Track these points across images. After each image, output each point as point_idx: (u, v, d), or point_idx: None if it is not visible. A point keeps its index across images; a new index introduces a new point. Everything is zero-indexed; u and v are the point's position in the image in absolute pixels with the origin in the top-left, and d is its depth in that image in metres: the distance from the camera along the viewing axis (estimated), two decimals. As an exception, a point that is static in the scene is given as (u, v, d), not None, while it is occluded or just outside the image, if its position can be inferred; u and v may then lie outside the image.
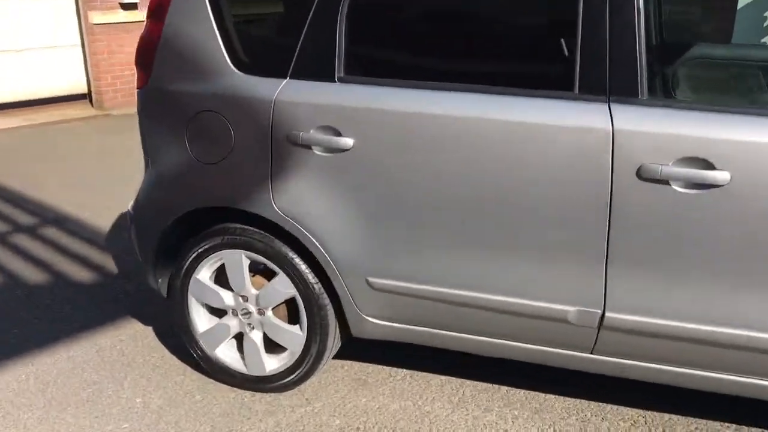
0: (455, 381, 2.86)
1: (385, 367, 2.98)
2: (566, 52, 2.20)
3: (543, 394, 2.75)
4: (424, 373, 2.92)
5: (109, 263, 4.13)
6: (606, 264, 2.22)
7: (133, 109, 8.67)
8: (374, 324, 2.60)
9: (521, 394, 2.76)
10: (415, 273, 2.45)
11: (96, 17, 8.34)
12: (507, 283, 2.35)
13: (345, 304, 2.59)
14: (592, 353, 2.38)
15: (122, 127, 7.78)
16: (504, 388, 2.80)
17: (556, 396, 2.74)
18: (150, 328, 3.38)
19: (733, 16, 5.10)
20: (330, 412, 2.70)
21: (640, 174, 2.11)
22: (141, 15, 8.70)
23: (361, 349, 3.08)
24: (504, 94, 2.27)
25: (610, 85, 2.16)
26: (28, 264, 4.12)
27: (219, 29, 2.59)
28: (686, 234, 2.12)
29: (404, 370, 2.95)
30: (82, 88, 8.85)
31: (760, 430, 2.53)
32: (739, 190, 2.04)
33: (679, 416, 2.61)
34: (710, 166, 2.05)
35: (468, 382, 2.85)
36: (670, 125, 2.08)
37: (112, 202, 5.20)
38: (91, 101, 8.86)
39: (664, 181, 2.09)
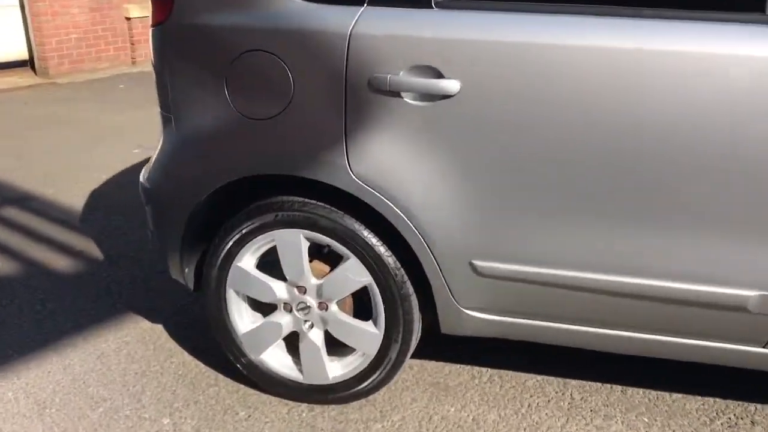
0: (555, 381, 2.36)
1: (463, 366, 2.45)
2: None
3: (667, 394, 2.27)
4: (513, 372, 2.41)
5: (91, 248, 3.48)
6: (800, 235, 1.73)
7: (82, 77, 7.85)
8: (474, 318, 2.06)
9: (640, 394, 2.27)
10: (541, 253, 1.92)
11: (37, -27, 7.45)
12: (669, 265, 1.84)
13: (438, 294, 2.05)
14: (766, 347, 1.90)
15: (72, 95, 6.97)
16: (617, 388, 2.31)
17: (685, 395, 2.26)
18: (160, 326, 2.77)
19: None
20: (415, 427, 2.16)
21: None
22: (88, -28, 7.84)
23: (425, 344, 2.54)
24: (668, 19, 1.73)
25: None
26: (-8, 252, 3.43)
27: (268, -57, 1.98)
28: None
29: (488, 369, 2.43)
30: (23, 54, 7.96)
31: None
32: None
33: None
34: None
35: (571, 381, 2.35)
36: None
37: (77, 175, 4.50)
38: (33, 68, 7.98)
39: None
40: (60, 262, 3.32)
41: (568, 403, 2.24)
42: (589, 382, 2.34)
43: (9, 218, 3.86)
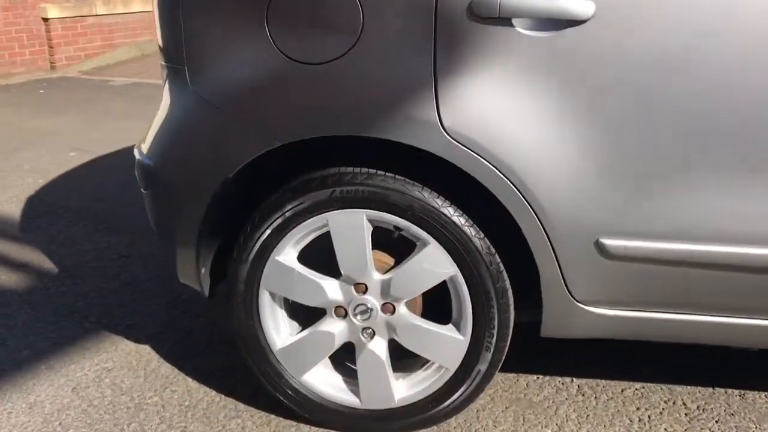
0: (656, 388, 1.93)
1: (540, 376, 2.00)
2: None
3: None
4: (603, 381, 1.97)
5: (40, 259, 2.85)
6: None
7: (7, 79, 7.03)
8: (592, 314, 1.61)
9: (763, 398, 1.87)
10: (695, 227, 1.49)
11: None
12: None
13: (548, 286, 1.59)
14: None
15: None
16: (733, 393, 1.90)
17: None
18: (146, 347, 2.20)
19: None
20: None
21: None
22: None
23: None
24: None
25: None
26: None
27: None
28: None
29: (572, 379, 1.99)
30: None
31: None
32: None
33: None
34: None
35: (676, 388, 1.93)
36: None
37: (7, 182, 3.84)
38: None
39: None
40: (3, 277, 2.69)
41: (686, 415, 1.82)
42: (698, 388, 1.93)
43: (-71, 228, 3.18)
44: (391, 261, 1.70)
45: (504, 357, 1.69)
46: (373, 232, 1.65)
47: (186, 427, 1.82)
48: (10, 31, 7.39)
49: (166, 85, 1.73)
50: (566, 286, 1.58)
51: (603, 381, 1.97)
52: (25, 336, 2.27)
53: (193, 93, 1.65)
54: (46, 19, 7.58)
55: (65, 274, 2.71)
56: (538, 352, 2.09)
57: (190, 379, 2.03)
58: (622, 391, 1.93)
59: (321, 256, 1.70)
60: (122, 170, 3.96)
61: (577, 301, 1.60)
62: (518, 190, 1.50)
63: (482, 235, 1.59)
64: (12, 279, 2.68)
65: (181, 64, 1.65)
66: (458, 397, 1.71)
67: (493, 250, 1.60)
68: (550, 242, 1.54)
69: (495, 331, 1.64)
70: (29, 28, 7.53)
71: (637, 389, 1.93)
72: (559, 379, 1.99)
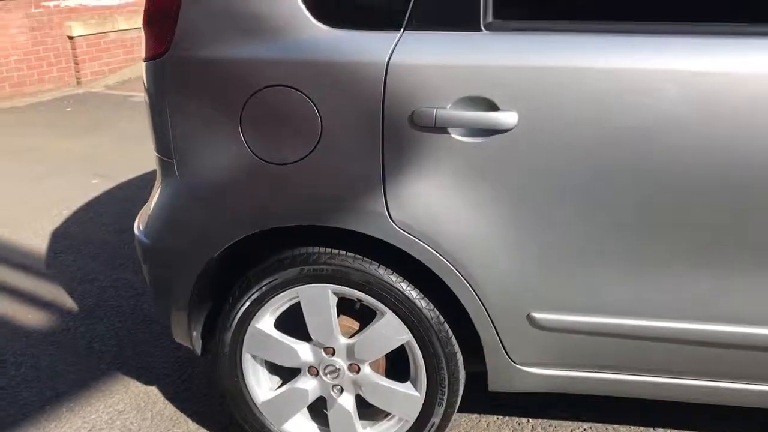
0: (603, 428, 2.16)
1: (498, 417, 2.23)
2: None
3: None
4: (553, 422, 2.20)
5: (63, 297, 3.16)
6: None
7: (24, 100, 7.39)
8: (529, 374, 1.85)
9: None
10: (607, 302, 1.72)
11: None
12: (756, 310, 1.65)
13: (489, 351, 1.83)
14: None
15: (15, 121, 6.56)
16: (673, 435, 2.12)
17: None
18: (154, 389, 2.48)
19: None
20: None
21: None
22: (25, -11, 7.41)
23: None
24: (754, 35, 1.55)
25: None
26: (-50, 308, 3.08)
27: (284, -37, 1.73)
28: None
29: (528, 419, 2.22)
30: (-41, 78, 7.49)
31: None
32: None
33: None
34: None
35: (621, 428, 2.15)
36: None
37: (36, 214, 4.15)
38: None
39: None
40: (30, 317, 3.00)
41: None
42: (639, 428, 2.15)
43: (-36, 266, 3.50)
44: (356, 326, 1.95)
45: (455, 410, 1.93)
46: (341, 299, 1.90)
47: (184, 467, 2.10)
48: (39, 50, 7.75)
49: (159, 172, 2.00)
50: (505, 350, 1.82)
51: (555, 422, 2.21)
52: (50, 378, 2.56)
53: (182, 183, 1.91)
54: (71, 37, 7.93)
55: (85, 313, 3.01)
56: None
57: (190, 421, 2.30)
58: (572, 431, 2.16)
59: (297, 321, 1.95)
60: (140, 201, 4.25)
61: (515, 363, 1.84)
62: (457, 271, 1.74)
63: (432, 307, 1.83)
64: (39, 318, 2.98)
65: (171, 158, 1.91)
66: (417, 444, 1.96)
67: (442, 320, 1.84)
68: (488, 315, 1.77)
69: (446, 389, 1.89)
70: (56, 47, 7.89)
71: (586, 429, 2.17)
72: (517, 419, 2.22)
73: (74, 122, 6.42)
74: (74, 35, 7.92)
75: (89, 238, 3.77)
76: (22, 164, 5.14)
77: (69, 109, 7.03)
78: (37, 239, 3.80)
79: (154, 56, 1.87)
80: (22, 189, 4.61)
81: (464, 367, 1.92)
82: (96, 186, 4.62)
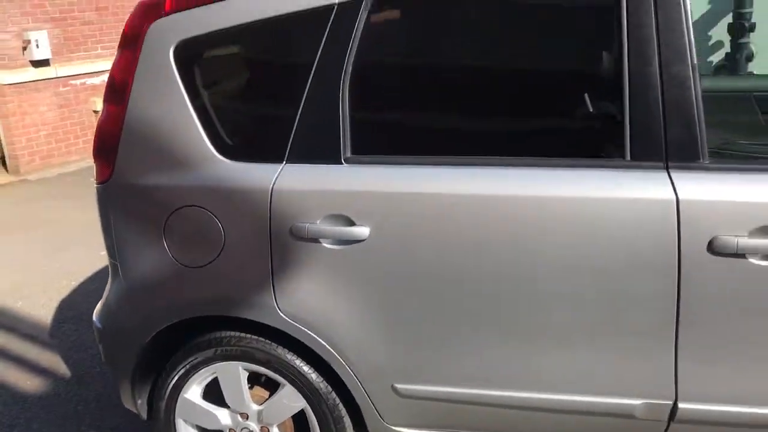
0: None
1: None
2: (616, 114, 1.95)
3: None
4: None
5: (59, 365, 3.66)
6: (676, 349, 1.96)
7: (53, 171, 8.08)
8: (402, 434, 2.27)
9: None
10: (451, 374, 2.14)
11: (4, 77, 7.73)
12: (562, 379, 2.06)
13: (367, 414, 2.26)
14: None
15: (42, 193, 7.19)
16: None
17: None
18: (121, 447, 2.94)
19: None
20: None
21: (713, 248, 1.86)
22: (54, 71, 8.13)
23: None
24: (548, 167, 1.98)
25: (667, 151, 1.91)
26: (-38, 376, 3.60)
27: (195, 109, 2.23)
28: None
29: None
30: (-6, 153, 8.20)
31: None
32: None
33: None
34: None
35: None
36: (742, 192, 1.85)
37: (47, 284, 4.69)
38: (5, 166, 8.21)
39: (740, 255, 1.85)
40: (28, 383, 3.49)
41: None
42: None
43: (-21, 337, 4.04)
44: (266, 394, 2.39)
45: (347, 463, 2.35)
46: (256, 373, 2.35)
47: None
48: (66, 124, 8.46)
49: (110, 270, 2.48)
50: (379, 414, 2.24)
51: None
52: (38, 437, 3.05)
53: (123, 280, 2.39)
54: (96, 112, 8.63)
55: (75, 379, 3.50)
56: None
57: (146, 474, 2.75)
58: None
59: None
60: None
61: (387, 424, 2.26)
62: (334, 351, 2.18)
63: (321, 379, 2.27)
64: (35, 384, 3.48)
65: (115, 260, 2.40)
66: (319, 493, 2.38)
67: (330, 389, 2.27)
68: (361, 386, 2.20)
69: (337, 446, 2.31)
70: (82, 121, 8.60)
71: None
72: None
73: (94, 194, 7.02)
74: (98, 109, 8.63)
75: (90, 309, 4.28)
76: (44, 236, 5.73)
77: (92, 179, 7.67)
78: (45, 310, 4.33)
79: (101, 182, 2.38)
80: (38, 260, 5.17)
81: (353, 427, 2.34)
82: (103, 258, 5.15)
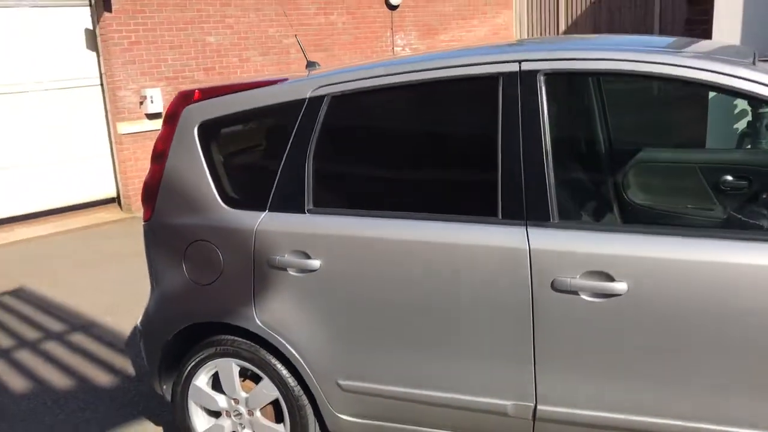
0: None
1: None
2: (493, 187, 2.67)
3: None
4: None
5: (128, 366, 4.60)
6: (534, 362, 2.62)
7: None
8: (346, 421, 3.01)
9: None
10: (376, 375, 2.88)
11: (123, 127, 9.07)
12: (455, 382, 2.76)
13: (320, 404, 3.02)
14: (536, 444, 2.75)
15: (148, 230, 8.38)
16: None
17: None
18: (160, 429, 3.81)
19: (705, 126, 5.56)
20: (313, 501, 3.09)
21: (554, 286, 2.53)
22: (165, 123, 9.45)
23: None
24: (444, 221, 2.72)
25: (527, 212, 2.60)
26: (56, 370, 4.61)
27: (209, 170, 3.12)
28: (598, 336, 2.52)
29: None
30: (112, 193, 9.53)
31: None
32: (635, 299, 2.45)
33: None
34: (610, 278, 2.47)
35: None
36: (576, 244, 2.51)
37: (135, 305, 5.71)
38: (120, 205, 9.52)
39: (574, 292, 2.51)
40: (103, 378, 4.46)
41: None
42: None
43: (74, 342, 5.07)
44: (252, 385, 3.19)
45: (309, 443, 3.11)
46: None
47: (159, 474, 3.39)
48: (173, 170, 9.73)
49: (150, 288, 3.38)
50: (329, 404, 3.00)
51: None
52: (101, 420, 3.97)
53: (156, 294, 3.28)
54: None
55: (137, 377, 4.43)
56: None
57: (173, 448, 3.61)
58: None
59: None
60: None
61: (335, 412, 3.00)
62: (296, 353, 2.96)
63: (290, 375, 3.04)
64: (106, 379, 4.43)
65: (152, 278, 3.30)
66: (287, 465, 3.15)
67: (296, 383, 3.04)
68: (315, 381, 2.97)
69: (299, 428, 3.07)
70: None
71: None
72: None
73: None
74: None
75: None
76: (142, 265, 6.83)
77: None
78: (127, 326, 5.34)
79: (146, 221, 3.29)
80: (134, 287, 6.23)
81: (314, 414, 3.09)
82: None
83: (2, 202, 8.56)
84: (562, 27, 12.58)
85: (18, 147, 8.71)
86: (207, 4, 9.55)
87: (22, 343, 5.11)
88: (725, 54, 2.58)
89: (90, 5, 8.87)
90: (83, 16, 8.93)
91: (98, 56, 9.03)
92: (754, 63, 2.49)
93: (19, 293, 6.25)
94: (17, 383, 4.46)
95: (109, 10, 8.74)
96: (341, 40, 10.96)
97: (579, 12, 12.33)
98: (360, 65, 2.99)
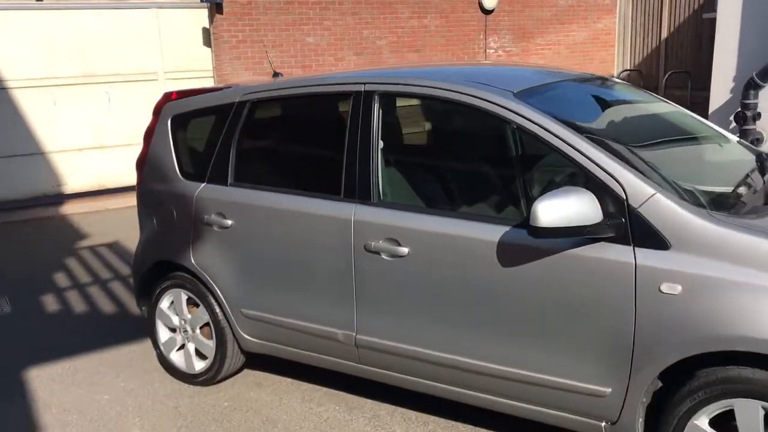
0: (314, 387, 4.32)
1: (281, 377, 4.51)
2: (341, 174, 3.72)
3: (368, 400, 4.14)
4: (299, 381, 4.41)
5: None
6: (354, 303, 3.65)
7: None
8: (250, 340, 4.17)
9: (351, 397, 4.17)
10: (265, 307, 4.01)
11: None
12: (310, 314, 3.84)
13: (233, 326, 4.19)
14: (360, 364, 3.78)
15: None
16: (344, 394, 4.22)
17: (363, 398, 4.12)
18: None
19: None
20: (225, 398, 4.28)
21: (365, 248, 3.55)
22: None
23: (281, 367, 4.60)
24: (310, 196, 3.81)
25: (358, 193, 3.63)
26: (108, 301, 6.08)
27: (174, 151, 4.38)
28: (393, 286, 3.52)
29: (288, 378, 4.47)
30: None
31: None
32: (414, 259, 3.43)
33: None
34: (398, 243, 3.46)
35: (322, 388, 4.31)
36: (381, 218, 3.52)
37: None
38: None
39: (377, 252, 3.52)
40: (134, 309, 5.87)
41: (312, 398, 4.20)
42: (334, 390, 4.27)
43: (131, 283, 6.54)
44: (195, 310, 4.42)
45: (228, 356, 4.28)
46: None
47: (148, 379, 4.71)
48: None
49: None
50: (239, 328, 4.16)
51: (300, 381, 4.40)
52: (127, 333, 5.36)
53: (141, 238, 4.59)
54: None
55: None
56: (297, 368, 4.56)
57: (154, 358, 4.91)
58: (299, 386, 4.34)
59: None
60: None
61: (244, 334, 4.16)
62: (216, 287, 4.15)
63: (216, 303, 4.24)
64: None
65: (140, 227, 4.61)
66: (212, 371, 4.33)
67: (220, 310, 4.24)
68: (229, 309, 4.15)
69: (222, 344, 4.26)
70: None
71: (307, 386, 4.33)
72: (284, 378, 4.46)
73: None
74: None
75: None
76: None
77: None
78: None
79: (137, 184, 4.61)
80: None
81: (232, 335, 4.27)
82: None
83: (125, 174, 10.36)
84: (665, 33, 12.90)
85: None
86: (308, 8, 10.93)
87: (96, 280, 6.66)
88: (502, 81, 3.48)
89: (207, 7, 10.50)
90: (202, 17, 10.58)
91: (212, 52, 10.65)
92: (518, 94, 3.37)
93: (112, 246, 7.88)
94: (80, 306, 5.97)
95: (221, 12, 10.32)
96: (433, 42, 12.01)
97: (681, 19, 12.61)
98: (281, 80, 4.14)
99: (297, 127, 4.13)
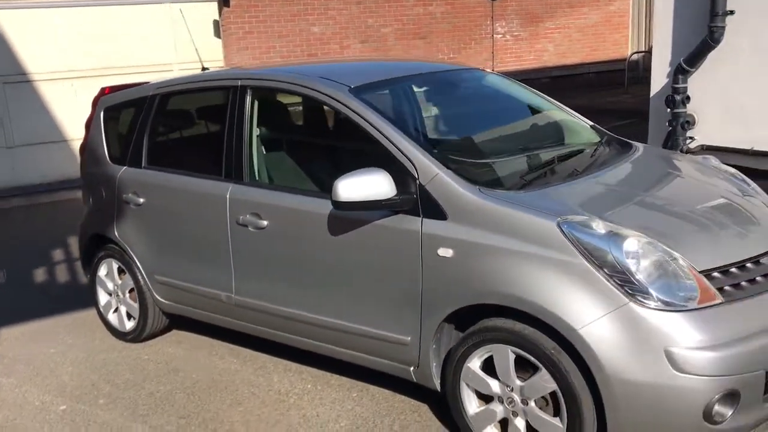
0: (223, 344, 5.02)
1: (200, 336, 5.22)
2: (222, 158, 4.38)
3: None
4: (212, 339, 5.11)
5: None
6: (232, 269, 4.32)
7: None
8: (165, 303, 4.89)
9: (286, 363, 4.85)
10: (172, 273, 4.72)
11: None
12: (201, 278, 4.52)
13: (150, 290, 4.92)
14: (240, 320, 4.44)
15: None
16: (245, 349, 4.90)
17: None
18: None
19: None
20: (146, 353, 5.02)
21: (237, 221, 4.21)
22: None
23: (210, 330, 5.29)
24: (202, 177, 4.49)
25: (234, 174, 4.29)
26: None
27: (105, 139, 5.13)
28: (259, 254, 4.17)
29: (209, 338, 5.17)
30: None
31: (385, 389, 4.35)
32: (272, 231, 4.07)
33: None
34: (260, 217, 4.10)
35: (230, 345, 5.00)
36: (248, 195, 4.17)
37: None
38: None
39: (245, 225, 4.17)
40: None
41: (245, 356, 4.89)
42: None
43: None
44: (125, 276, 5.16)
45: (149, 317, 5.01)
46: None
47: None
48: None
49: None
50: (154, 292, 4.89)
51: (235, 346, 5.09)
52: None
53: (86, 208, 5.37)
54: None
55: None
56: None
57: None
58: (234, 349, 5.04)
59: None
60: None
61: (158, 297, 4.88)
62: (134, 256, 4.88)
63: (138, 271, 4.97)
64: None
65: (84, 204, 5.39)
66: (138, 331, 5.09)
67: (142, 276, 4.96)
68: (145, 275, 4.88)
69: (146, 310, 5.00)
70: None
71: (246, 351, 5.02)
72: (203, 338, 5.17)
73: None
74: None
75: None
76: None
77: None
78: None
79: (80, 168, 5.38)
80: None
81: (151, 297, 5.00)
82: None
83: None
84: (678, 15, 13.01)
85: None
86: (312, -2, 11.61)
87: (84, 255, 7.50)
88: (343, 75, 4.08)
89: (217, 0, 11.29)
90: (212, 10, 11.38)
91: (222, 43, 11.45)
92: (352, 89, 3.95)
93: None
94: (64, 277, 6.81)
95: (227, 5, 11.10)
96: (439, 28, 12.51)
97: (693, 0, 12.71)
98: (184, 76, 4.83)
99: (193, 117, 4.83)
